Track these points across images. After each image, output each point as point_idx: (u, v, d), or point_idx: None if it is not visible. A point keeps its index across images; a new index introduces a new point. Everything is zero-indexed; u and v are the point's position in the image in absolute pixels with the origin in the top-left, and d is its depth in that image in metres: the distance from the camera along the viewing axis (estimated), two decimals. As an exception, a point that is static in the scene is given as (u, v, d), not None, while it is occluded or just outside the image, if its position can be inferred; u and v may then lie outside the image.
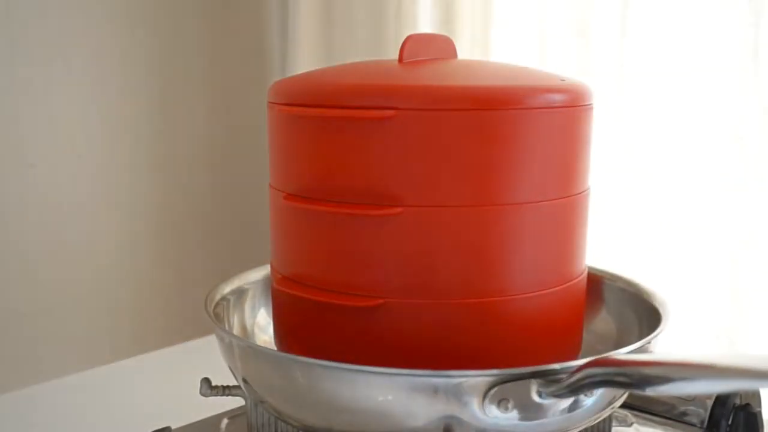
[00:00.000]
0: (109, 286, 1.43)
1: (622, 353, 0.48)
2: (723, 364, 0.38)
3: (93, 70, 1.37)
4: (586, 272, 0.57)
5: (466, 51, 1.21)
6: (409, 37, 0.54)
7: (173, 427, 0.62)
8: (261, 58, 1.59)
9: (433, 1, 1.26)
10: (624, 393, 0.52)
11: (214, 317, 0.57)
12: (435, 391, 0.45)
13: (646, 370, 0.41)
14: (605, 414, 0.52)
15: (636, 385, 0.42)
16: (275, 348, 0.58)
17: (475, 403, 0.45)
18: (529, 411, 0.46)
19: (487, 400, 0.45)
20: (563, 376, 0.45)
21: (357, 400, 0.47)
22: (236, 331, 0.64)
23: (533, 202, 0.50)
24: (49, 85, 1.32)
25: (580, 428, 0.50)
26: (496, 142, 0.49)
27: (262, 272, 0.67)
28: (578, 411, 0.48)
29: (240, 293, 0.66)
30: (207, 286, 0.62)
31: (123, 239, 1.44)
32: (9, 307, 1.30)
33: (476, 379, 0.45)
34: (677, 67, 1.02)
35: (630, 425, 0.63)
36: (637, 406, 0.64)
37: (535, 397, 0.45)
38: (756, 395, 0.61)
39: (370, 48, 1.36)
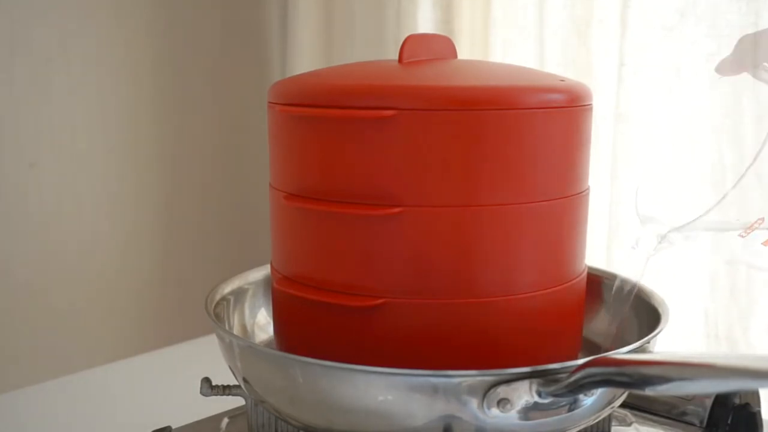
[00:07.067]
0: (109, 285, 1.43)
1: (621, 353, 0.48)
2: (723, 364, 0.38)
3: (93, 70, 1.37)
4: (585, 272, 0.57)
5: (466, 51, 1.21)
6: (409, 37, 0.54)
7: (173, 427, 0.62)
8: (261, 58, 1.59)
9: (433, 1, 1.26)
10: (624, 393, 0.52)
11: (214, 317, 0.57)
12: (435, 391, 0.45)
13: (646, 370, 0.41)
14: (605, 413, 0.52)
15: (635, 384, 0.42)
16: (275, 348, 0.59)
17: (474, 403, 0.45)
18: (529, 411, 0.46)
19: (486, 400, 0.45)
20: (563, 375, 0.45)
21: (357, 400, 0.47)
22: (236, 331, 0.64)
23: (533, 202, 0.50)
24: (49, 85, 1.32)
25: (580, 428, 0.50)
26: (496, 142, 0.49)
27: (262, 272, 0.67)
28: (578, 410, 0.48)
29: (240, 293, 0.66)
30: (207, 286, 0.62)
31: (123, 239, 1.44)
32: (9, 306, 1.30)
33: (476, 379, 0.45)
34: (676, 68, 1.02)
35: (630, 425, 0.63)
36: (637, 406, 0.64)
37: (535, 397, 0.45)
38: (755, 395, 0.61)
39: (370, 48, 1.36)
